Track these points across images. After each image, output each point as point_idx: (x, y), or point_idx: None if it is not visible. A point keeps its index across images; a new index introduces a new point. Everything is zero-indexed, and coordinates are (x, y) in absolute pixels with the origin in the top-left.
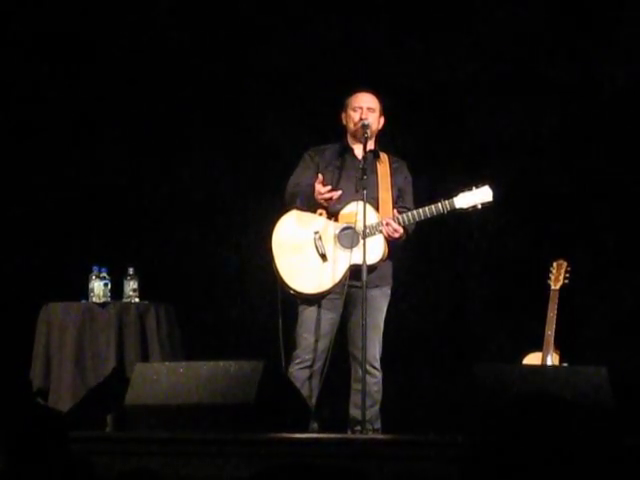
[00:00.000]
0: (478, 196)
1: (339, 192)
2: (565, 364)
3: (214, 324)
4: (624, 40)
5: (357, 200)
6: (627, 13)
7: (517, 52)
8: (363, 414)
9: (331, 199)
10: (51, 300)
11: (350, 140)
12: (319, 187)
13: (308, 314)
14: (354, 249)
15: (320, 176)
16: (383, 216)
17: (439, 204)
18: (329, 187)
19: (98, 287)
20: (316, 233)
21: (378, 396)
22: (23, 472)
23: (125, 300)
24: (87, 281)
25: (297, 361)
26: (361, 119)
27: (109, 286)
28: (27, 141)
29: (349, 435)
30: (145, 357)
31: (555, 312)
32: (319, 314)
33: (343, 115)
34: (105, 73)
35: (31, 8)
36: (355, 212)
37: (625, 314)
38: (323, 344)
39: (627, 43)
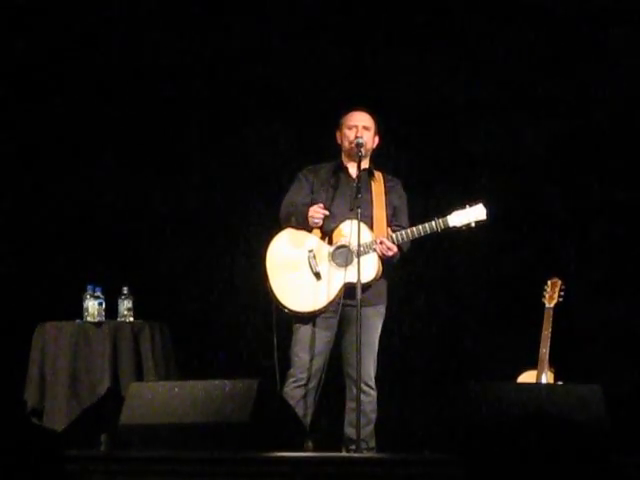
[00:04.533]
0: (472, 214)
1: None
2: (560, 382)
3: (209, 343)
4: (618, 58)
5: (351, 218)
6: (619, 31)
7: (512, 71)
8: (358, 433)
9: (320, 220)
10: (45, 320)
11: (345, 159)
12: (315, 207)
13: (303, 333)
14: (348, 267)
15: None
16: (377, 234)
17: (433, 222)
18: (325, 212)
19: (92, 306)
20: (310, 251)
21: (373, 415)
22: None
23: (120, 319)
24: (81, 300)
25: (292, 380)
26: (356, 137)
27: (103, 305)
28: (22, 161)
29: (344, 454)
30: (140, 376)
31: (549, 330)
32: (314, 333)
33: (338, 134)
34: (100, 93)
35: (30, 26)
36: (349, 230)
37: (619, 332)
38: (318, 363)
39: (621, 60)
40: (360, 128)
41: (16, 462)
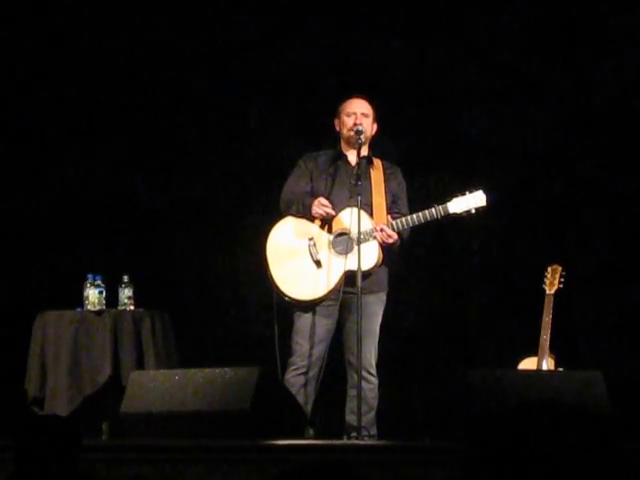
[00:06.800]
0: (472, 201)
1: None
2: (560, 369)
3: (209, 331)
4: (617, 47)
5: (351, 206)
6: (620, 21)
7: (512, 58)
8: (359, 420)
9: (325, 213)
10: (46, 308)
11: (344, 146)
12: (321, 200)
13: (303, 321)
14: (348, 255)
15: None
16: (377, 222)
17: (433, 209)
18: (329, 207)
19: (93, 295)
20: (310, 239)
21: (374, 402)
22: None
23: (120, 308)
24: (82, 289)
25: (292, 368)
26: (355, 124)
27: (104, 294)
28: (20, 149)
29: (345, 441)
30: (140, 365)
31: (550, 317)
32: (314, 321)
33: (336, 121)
34: (100, 83)
35: (27, 15)
36: (349, 218)
37: (620, 318)
38: (318, 351)
39: (620, 50)
40: (359, 115)
41: (30, 452)
